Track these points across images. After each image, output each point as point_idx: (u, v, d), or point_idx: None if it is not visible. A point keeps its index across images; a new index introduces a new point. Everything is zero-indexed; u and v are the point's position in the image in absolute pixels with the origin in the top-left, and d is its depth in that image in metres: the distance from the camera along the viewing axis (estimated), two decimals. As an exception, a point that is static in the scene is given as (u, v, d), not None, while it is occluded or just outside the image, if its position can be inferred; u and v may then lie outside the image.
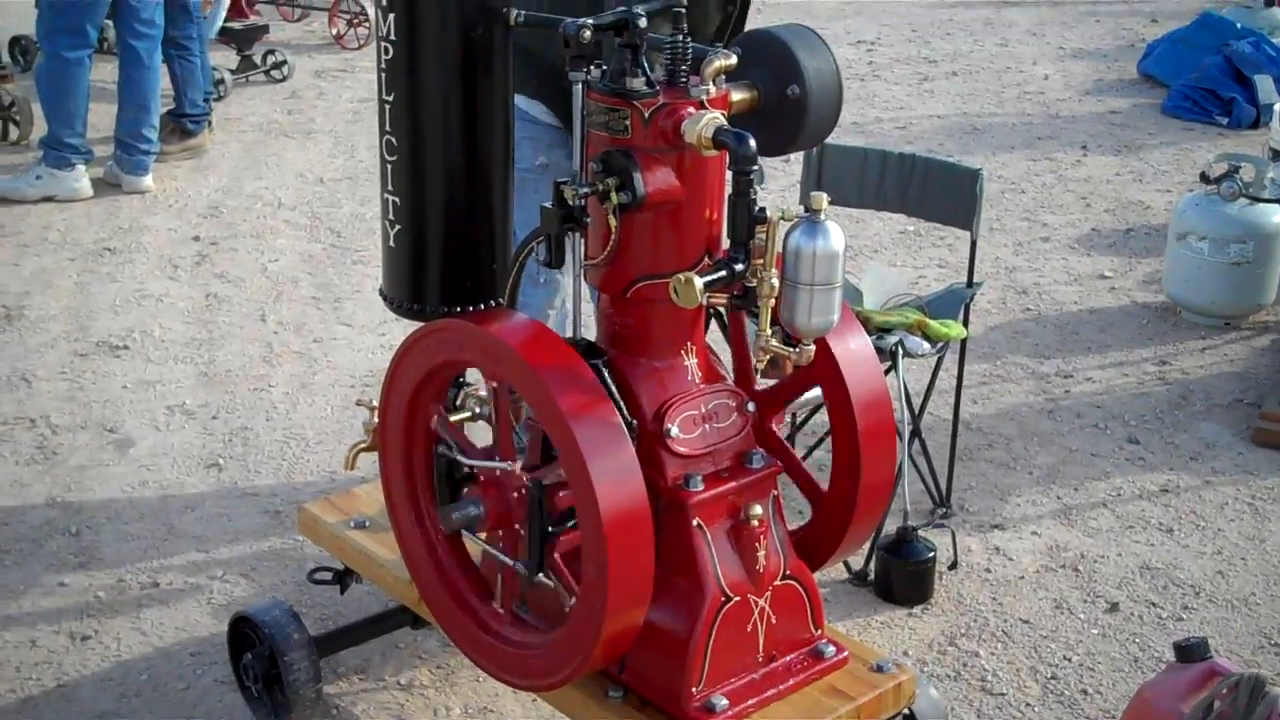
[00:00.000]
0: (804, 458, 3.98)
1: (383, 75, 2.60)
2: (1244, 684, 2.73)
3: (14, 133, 6.94)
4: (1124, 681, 3.31)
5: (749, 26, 2.91)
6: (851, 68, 8.62)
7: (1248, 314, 5.25)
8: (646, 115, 2.37)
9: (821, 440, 4.03)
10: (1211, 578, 3.73)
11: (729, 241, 2.42)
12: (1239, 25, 8.23)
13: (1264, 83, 7.61)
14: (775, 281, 2.38)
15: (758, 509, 2.51)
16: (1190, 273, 5.17)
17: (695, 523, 2.47)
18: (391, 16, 2.51)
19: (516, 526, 2.52)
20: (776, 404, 2.73)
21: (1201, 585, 3.69)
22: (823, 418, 3.99)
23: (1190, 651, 2.90)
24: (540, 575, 2.47)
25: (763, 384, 2.72)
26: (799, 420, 4.02)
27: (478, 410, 2.66)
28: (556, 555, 2.47)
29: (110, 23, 6.38)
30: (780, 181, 6.45)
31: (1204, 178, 5.18)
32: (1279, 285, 5.20)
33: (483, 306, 2.72)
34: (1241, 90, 7.66)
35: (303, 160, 6.89)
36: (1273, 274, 5.14)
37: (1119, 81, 8.50)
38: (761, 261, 2.38)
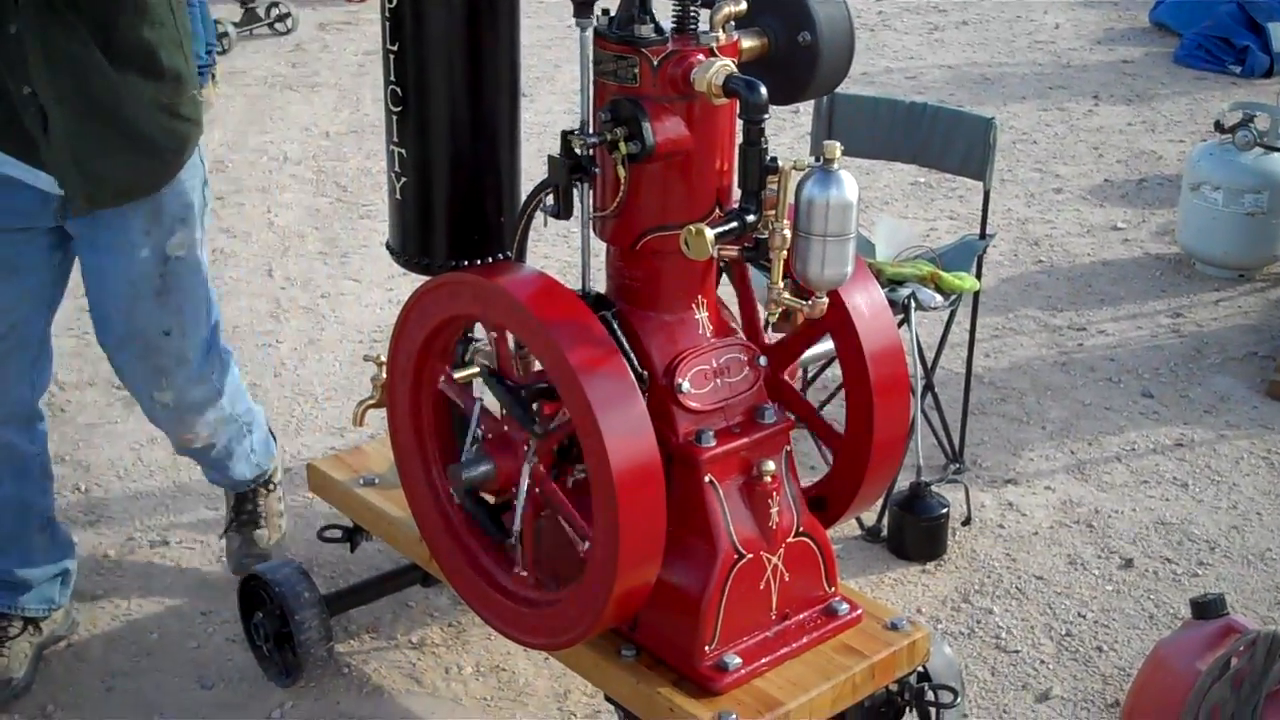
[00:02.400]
0: (818, 409, 3.96)
1: (387, 25, 2.56)
2: (1261, 641, 2.70)
3: None
4: (1139, 639, 3.29)
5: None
6: (861, 17, 8.53)
7: (1262, 265, 5.19)
8: (655, 63, 2.33)
9: (833, 395, 4.00)
10: (1227, 533, 3.69)
11: (740, 192, 2.38)
12: (1253, -28, 8.13)
13: (1278, 30, 7.52)
14: (787, 233, 2.34)
15: (770, 465, 2.47)
16: (1204, 224, 5.12)
17: (707, 479, 2.44)
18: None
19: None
20: (789, 356, 2.69)
21: (1217, 541, 3.66)
22: (834, 372, 3.97)
23: (1207, 608, 2.88)
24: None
25: (774, 337, 2.68)
26: (810, 375, 3.98)
27: (486, 364, 2.63)
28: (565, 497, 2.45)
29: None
30: (790, 133, 6.39)
31: (1218, 127, 5.11)
32: (1294, 236, 5.15)
33: (490, 260, 2.69)
34: (1255, 38, 7.57)
35: (308, 114, 6.84)
36: (1288, 224, 5.09)
37: (1130, 30, 8.41)
38: (773, 212, 2.34)
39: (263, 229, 5.52)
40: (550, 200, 2.46)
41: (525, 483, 2.47)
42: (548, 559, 2.58)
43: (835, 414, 3.85)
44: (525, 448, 2.47)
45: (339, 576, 3.44)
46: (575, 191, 2.45)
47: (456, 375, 2.64)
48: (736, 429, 2.49)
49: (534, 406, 2.46)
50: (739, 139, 2.35)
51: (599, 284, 2.58)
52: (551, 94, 7.09)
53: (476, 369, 2.64)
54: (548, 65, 7.48)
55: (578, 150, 2.39)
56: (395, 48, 2.58)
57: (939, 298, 3.65)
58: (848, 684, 2.50)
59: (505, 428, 2.52)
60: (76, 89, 2.59)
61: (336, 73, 7.44)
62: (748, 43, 2.43)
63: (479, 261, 2.69)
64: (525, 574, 2.57)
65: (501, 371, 2.51)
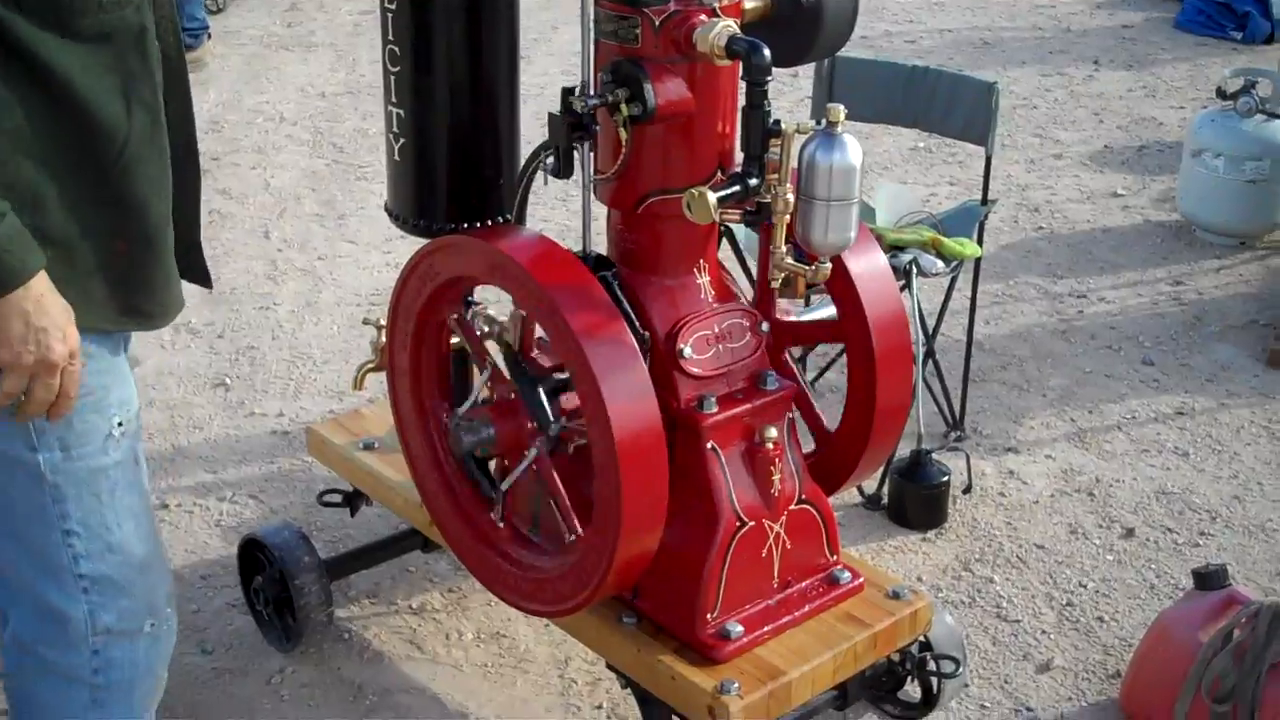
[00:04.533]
0: (815, 379, 3.95)
1: (387, -19, 2.51)
2: (1264, 613, 2.69)
3: None
4: (1140, 609, 3.27)
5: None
6: (861, -19, 8.46)
7: (1263, 233, 5.16)
8: (657, 23, 2.29)
9: (834, 362, 3.98)
10: (1228, 502, 3.68)
11: (742, 156, 2.35)
12: (1255, -62, 8.07)
13: (1280, -4, 7.48)
14: (790, 197, 2.30)
15: (773, 431, 2.45)
16: (1205, 191, 5.08)
17: (709, 446, 2.41)
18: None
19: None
20: (797, 337, 2.68)
21: (1218, 510, 3.64)
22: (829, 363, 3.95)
23: (1209, 579, 2.87)
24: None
25: (784, 313, 2.66)
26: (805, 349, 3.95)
27: (486, 329, 2.60)
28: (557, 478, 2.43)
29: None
30: (789, 97, 6.35)
31: (1220, 93, 5.07)
32: (1296, 203, 5.12)
33: (490, 222, 2.66)
34: (1256, 4, 7.51)
35: (304, 74, 6.79)
36: (1290, 192, 5.06)
37: (1132, -5, 8.36)
38: (776, 176, 2.31)
39: (259, 190, 5.48)
40: (550, 160, 2.42)
41: (528, 461, 2.45)
42: (547, 524, 2.56)
43: (835, 381, 3.85)
44: (534, 436, 2.44)
45: (339, 541, 3.42)
46: (575, 152, 2.42)
47: (454, 340, 2.62)
48: (739, 395, 2.47)
49: (551, 401, 2.43)
50: (741, 101, 2.32)
51: (599, 248, 2.55)
52: (548, 55, 7.03)
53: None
54: (544, 27, 7.43)
55: (578, 109, 2.35)
56: (393, 6, 2.53)
57: (940, 264, 3.62)
58: (849, 653, 2.48)
59: (511, 394, 2.49)
60: None
61: (332, 32, 7.39)
62: (750, 3, 2.39)
63: (478, 224, 2.66)
64: (501, 525, 2.56)
65: (523, 354, 2.47)
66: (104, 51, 1.89)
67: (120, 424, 2.06)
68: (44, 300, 1.87)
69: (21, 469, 2.01)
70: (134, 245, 1.99)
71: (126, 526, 2.09)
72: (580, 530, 2.41)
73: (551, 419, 2.41)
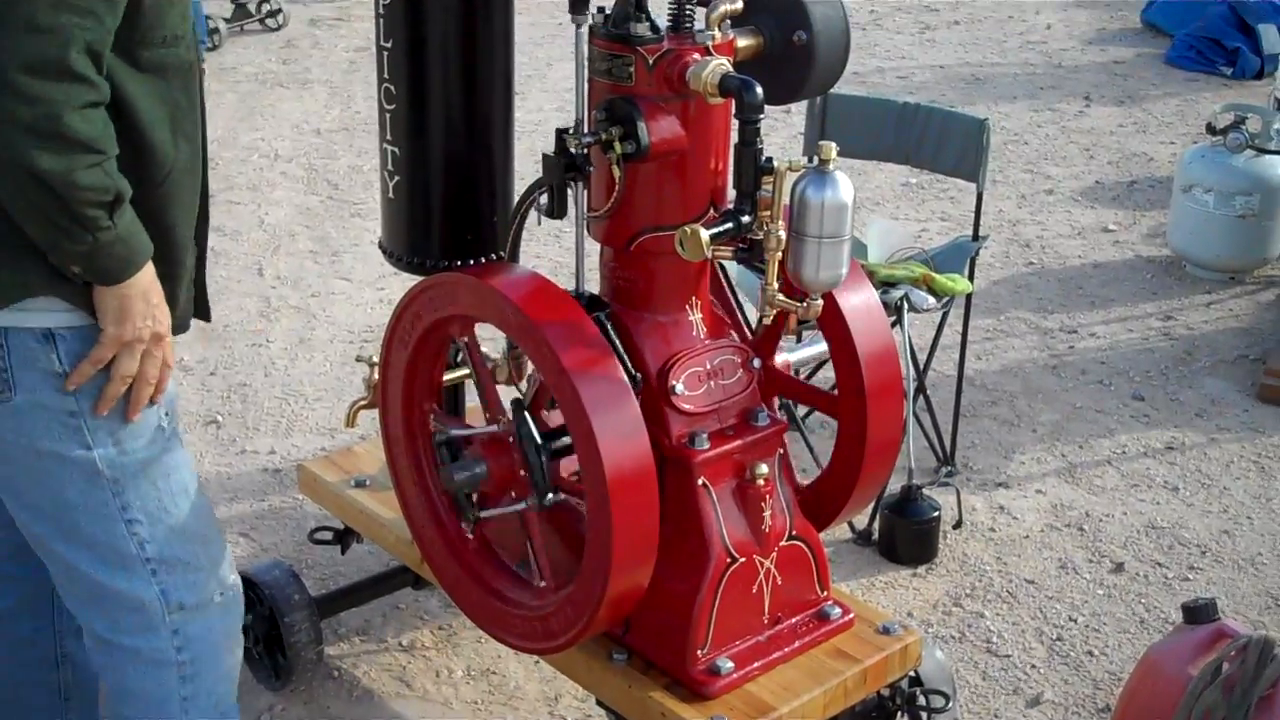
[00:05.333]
0: (805, 416, 3.96)
1: (381, 20, 2.54)
2: (1253, 646, 2.69)
3: None
4: (1130, 643, 3.28)
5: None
6: (852, 16, 8.43)
7: (1253, 268, 5.19)
8: (651, 61, 2.31)
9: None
10: (1217, 537, 3.69)
11: (735, 193, 2.36)
12: (1244, -26, 8.13)
13: (1269, 32, 7.53)
14: (782, 234, 2.32)
15: (764, 468, 2.46)
16: (1195, 226, 5.11)
17: (700, 482, 2.42)
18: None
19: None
20: (771, 341, 2.68)
21: (1208, 545, 3.65)
22: (825, 374, 3.96)
23: (1198, 613, 2.87)
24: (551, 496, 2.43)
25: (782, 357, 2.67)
26: (804, 377, 3.96)
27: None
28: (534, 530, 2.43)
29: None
30: (782, 133, 6.38)
31: (1210, 129, 5.11)
32: (1286, 239, 5.15)
33: (483, 259, 2.67)
34: (1246, 40, 7.59)
35: (299, 111, 6.82)
36: (1279, 227, 5.08)
37: (1122, 31, 8.41)
38: (768, 213, 2.32)
39: (253, 227, 5.50)
40: (544, 200, 2.44)
41: (516, 508, 2.46)
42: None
43: (824, 417, 3.85)
44: (526, 491, 2.45)
45: (329, 578, 3.42)
46: (569, 191, 2.43)
47: (446, 377, 2.63)
48: (730, 431, 2.48)
49: (550, 461, 2.43)
50: (734, 139, 2.34)
51: (592, 284, 2.56)
52: (543, 92, 7.07)
53: (466, 370, 2.62)
54: (539, 63, 7.47)
55: (573, 149, 2.37)
56: (389, 44, 2.56)
57: (932, 299, 3.64)
58: (840, 689, 2.49)
59: (506, 435, 2.49)
60: None
61: (327, 69, 7.42)
62: (743, 41, 2.42)
63: (472, 261, 2.68)
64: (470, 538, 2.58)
65: (533, 411, 2.47)
66: (159, 83, 2.01)
67: (166, 414, 2.15)
68: (152, 278, 2.04)
69: (78, 469, 2.09)
70: (159, 264, 2.07)
71: (183, 505, 2.18)
72: (550, 579, 2.42)
73: (549, 487, 2.41)
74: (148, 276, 2.03)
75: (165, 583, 2.18)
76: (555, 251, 5.17)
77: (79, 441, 2.07)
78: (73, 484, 2.10)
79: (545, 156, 2.39)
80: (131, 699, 2.28)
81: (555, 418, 2.45)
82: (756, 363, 2.55)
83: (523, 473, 2.43)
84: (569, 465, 2.42)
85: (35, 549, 2.23)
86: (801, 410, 3.93)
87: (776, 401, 2.68)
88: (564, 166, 2.38)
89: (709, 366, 2.49)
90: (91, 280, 1.99)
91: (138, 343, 2.04)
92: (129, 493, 2.13)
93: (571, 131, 2.38)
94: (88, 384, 2.05)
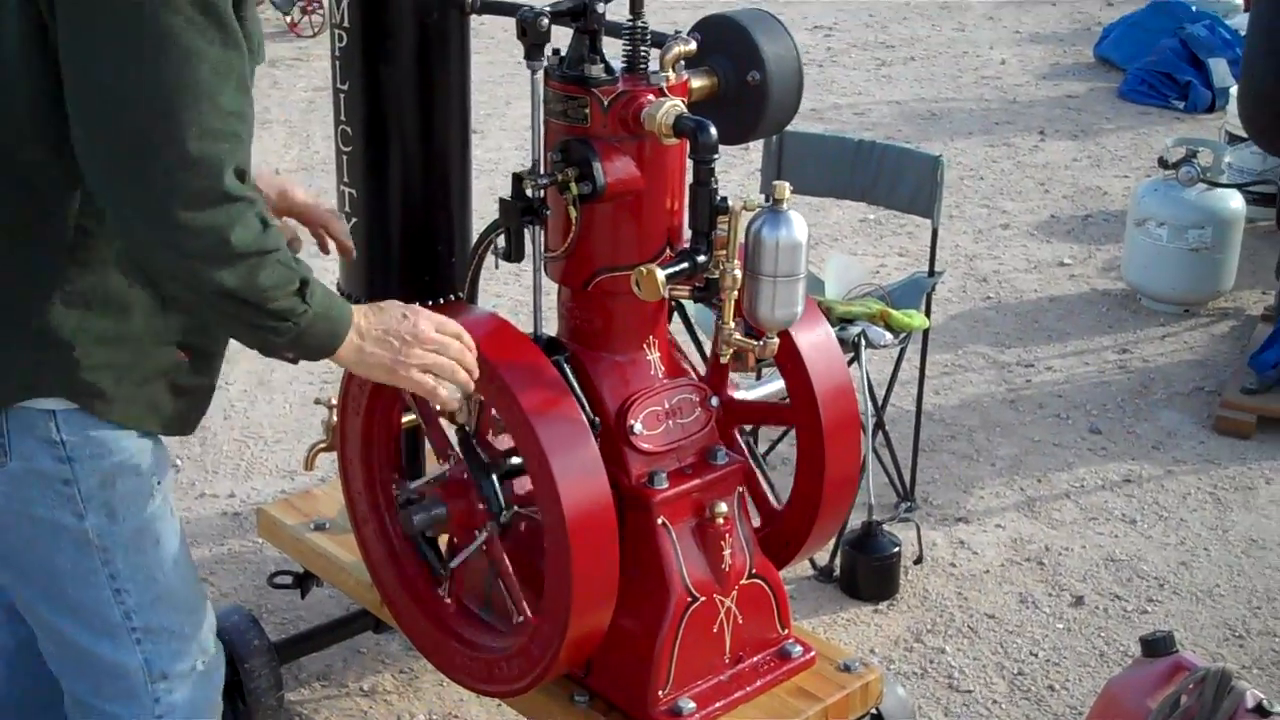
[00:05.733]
0: (767, 452, 3.96)
1: (337, 63, 2.54)
2: (1210, 678, 2.70)
3: None
4: (1090, 676, 3.29)
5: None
6: (809, 53, 8.58)
7: (1207, 300, 5.24)
8: (605, 103, 2.32)
9: (785, 434, 4.00)
10: (1175, 569, 3.71)
11: (690, 232, 2.37)
12: (1194, 8, 8.23)
13: (1219, 66, 7.62)
14: (738, 273, 2.33)
15: (723, 506, 2.46)
16: (1149, 259, 5.16)
17: (660, 521, 2.42)
18: (345, 2, 2.45)
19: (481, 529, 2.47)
20: (747, 416, 2.70)
21: (1165, 577, 3.68)
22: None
23: (1156, 646, 2.88)
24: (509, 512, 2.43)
25: (738, 393, 2.67)
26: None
27: (437, 406, 2.60)
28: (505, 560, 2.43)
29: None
30: (740, 169, 6.41)
31: (1162, 163, 5.16)
32: (1237, 271, 5.19)
33: (442, 300, 2.67)
34: (1197, 74, 7.67)
35: (257, 151, 6.66)
36: (1232, 260, 5.13)
37: (1075, 65, 8.50)
38: (724, 253, 2.33)
39: (210, 267, 5.46)
40: (501, 242, 2.44)
41: (478, 542, 2.45)
42: (499, 604, 2.55)
43: (788, 453, 3.87)
44: (485, 518, 2.45)
45: (289, 623, 3.40)
46: (526, 233, 2.44)
47: (404, 420, 2.62)
48: (689, 470, 2.48)
49: (503, 486, 2.43)
50: (689, 179, 2.35)
51: (550, 323, 2.57)
52: (502, 130, 7.08)
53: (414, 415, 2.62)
54: (498, 101, 7.48)
55: (529, 193, 2.38)
56: (345, 87, 2.56)
57: (889, 336, 3.66)
58: (802, 727, 2.49)
59: (463, 473, 2.49)
60: None
61: (286, 109, 7.41)
62: (697, 82, 2.43)
63: (431, 302, 2.67)
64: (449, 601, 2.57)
65: (479, 439, 2.48)
66: None
67: (159, 482, 2.12)
68: (371, 316, 2.13)
69: (68, 536, 2.06)
70: (195, 355, 2.10)
71: (171, 574, 2.16)
72: (529, 613, 2.41)
73: (503, 506, 2.41)
74: (358, 326, 2.09)
75: (149, 651, 2.16)
76: (516, 290, 5.17)
77: (72, 510, 2.05)
78: (62, 551, 2.08)
79: (502, 200, 2.40)
80: None
81: (504, 441, 2.45)
82: (715, 401, 2.56)
83: (479, 504, 2.43)
84: (525, 484, 2.42)
85: (23, 612, 2.20)
86: (763, 446, 3.95)
87: (740, 439, 2.69)
88: (520, 210, 2.39)
89: (667, 406, 2.49)
90: (308, 359, 2.07)
91: (406, 368, 2.13)
92: (118, 561, 2.10)
93: (528, 174, 2.39)
94: (84, 455, 2.02)
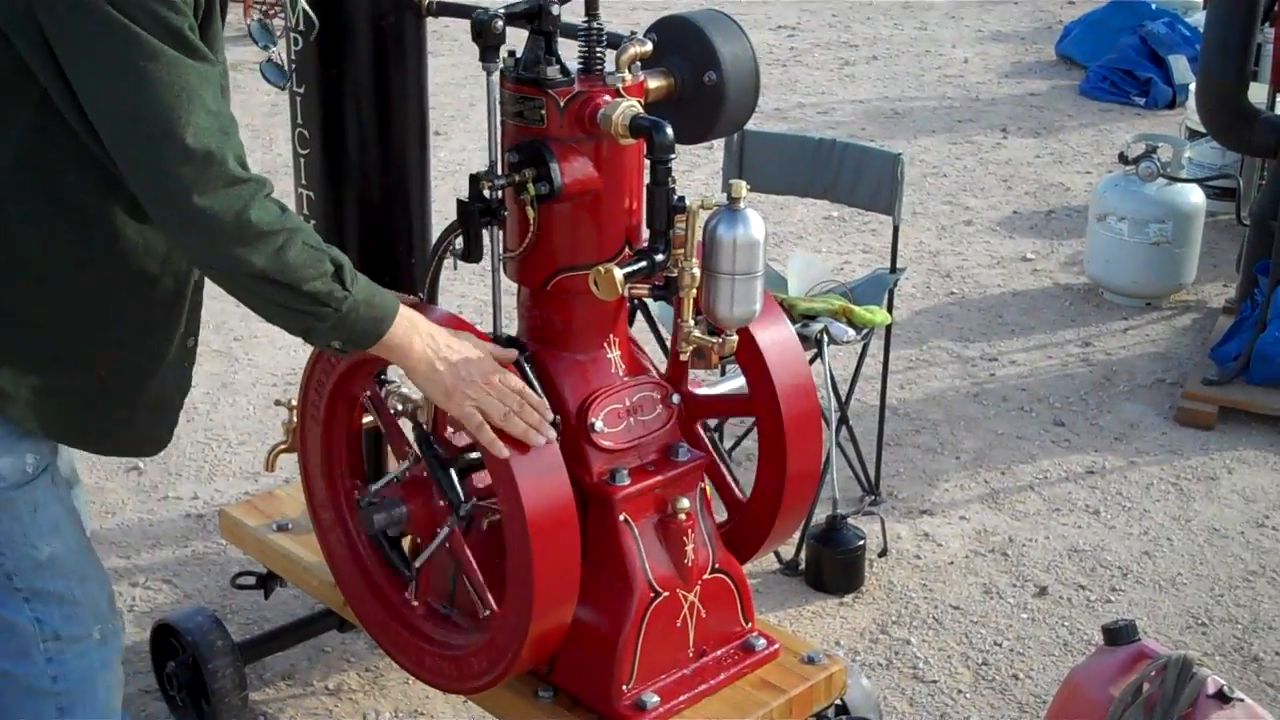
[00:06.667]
0: (732, 448, 3.98)
1: (293, 67, 2.55)
2: (1172, 665, 2.73)
3: None
4: (1054, 665, 3.32)
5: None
6: (773, 53, 8.62)
7: (1168, 294, 5.28)
8: (562, 104, 2.33)
9: (750, 430, 4.02)
10: (1138, 558, 3.74)
11: (649, 232, 2.39)
12: (1154, 6, 8.30)
13: (1178, 62, 7.69)
14: (696, 271, 2.35)
15: (685, 502, 2.47)
16: (1111, 254, 5.20)
17: (622, 518, 2.43)
18: (301, 6, 2.45)
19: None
20: (708, 410, 2.71)
21: (1129, 567, 3.71)
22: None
23: (1118, 634, 2.90)
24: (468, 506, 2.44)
25: (698, 388, 2.69)
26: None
27: (400, 408, 2.61)
28: (467, 552, 2.43)
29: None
30: (705, 169, 6.43)
31: (1122, 158, 5.21)
32: (1198, 265, 5.24)
33: (401, 302, 2.67)
34: (1157, 70, 7.74)
35: (219, 155, 6.77)
36: (1192, 253, 5.18)
37: (1037, 63, 8.55)
38: (682, 251, 2.35)
39: (174, 272, 5.46)
40: (460, 243, 2.45)
41: (440, 540, 2.46)
42: (463, 601, 2.56)
43: (752, 449, 3.88)
44: (445, 515, 2.45)
45: (253, 623, 3.40)
46: (484, 234, 2.45)
47: (366, 420, 2.63)
48: (650, 467, 2.50)
49: (461, 479, 2.44)
50: (646, 179, 2.36)
51: (511, 323, 2.58)
52: (465, 132, 7.09)
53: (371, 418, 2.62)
54: (461, 103, 7.49)
55: (486, 194, 2.39)
56: (301, 90, 2.57)
57: (851, 331, 3.68)
58: (766, 719, 2.50)
59: (423, 472, 2.50)
60: None
61: (249, 113, 7.39)
62: (654, 83, 2.44)
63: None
64: (416, 604, 2.58)
65: (436, 436, 2.49)
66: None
67: (33, 456, 2.17)
68: (416, 329, 2.21)
69: None
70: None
71: (53, 541, 2.21)
72: (495, 606, 2.42)
73: (462, 499, 2.42)
74: (406, 326, 2.19)
75: (40, 611, 2.22)
76: (480, 290, 5.17)
77: None
78: None
79: (459, 202, 2.41)
80: None
81: (461, 438, 2.46)
82: (676, 398, 2.57)
83: (440, 500, 2.44)
84: (484, 478, 2.43)
85: None
86: (727, 442, 3.96)
87: (702, 434, 2.71)
88: (479, 211, 2.40)
89: (628, 403, 2.50)
90: (356, 349, 2.18)
91: (462, 398, 2.23)
92: None
93: (485, 175, 2.39)
94: None
